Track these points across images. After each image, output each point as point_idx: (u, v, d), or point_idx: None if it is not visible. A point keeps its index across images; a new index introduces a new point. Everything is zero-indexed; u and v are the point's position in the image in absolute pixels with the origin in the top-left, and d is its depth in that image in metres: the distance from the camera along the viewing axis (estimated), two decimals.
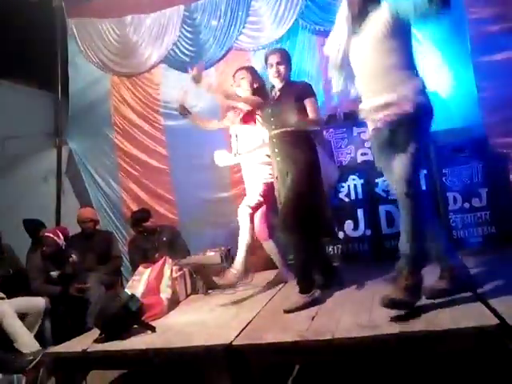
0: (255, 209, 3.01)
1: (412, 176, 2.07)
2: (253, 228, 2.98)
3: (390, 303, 2.04)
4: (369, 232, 3.59)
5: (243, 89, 3.01)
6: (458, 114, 3.59)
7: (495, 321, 1.81)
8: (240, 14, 4.21)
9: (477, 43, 3.50)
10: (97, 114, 4.70)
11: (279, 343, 2.03)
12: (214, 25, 4.32)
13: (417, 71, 2.15)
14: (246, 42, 4.24)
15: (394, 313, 2.05)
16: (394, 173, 2.12)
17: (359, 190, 3.64)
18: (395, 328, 1.93)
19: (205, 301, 3.18)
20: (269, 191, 3.00)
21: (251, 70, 3.10)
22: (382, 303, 2.05)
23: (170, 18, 4.46)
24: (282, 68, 2.69)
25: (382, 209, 3.55)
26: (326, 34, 3.83)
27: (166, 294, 2.99)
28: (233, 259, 3.50)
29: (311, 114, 2.63)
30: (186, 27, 4.42)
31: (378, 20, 2.10)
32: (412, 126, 2.05)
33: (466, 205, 3.39)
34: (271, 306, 2.72)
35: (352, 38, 2.21)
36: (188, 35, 4.42)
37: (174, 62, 4.47)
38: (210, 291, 3.34)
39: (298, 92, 2.67)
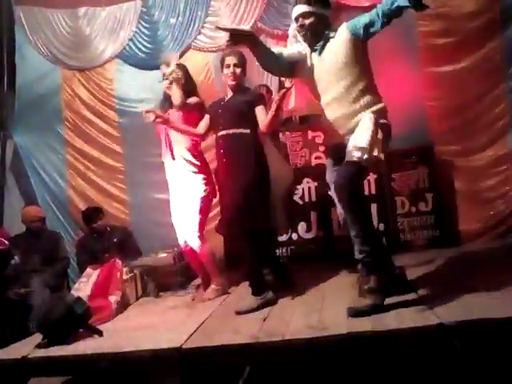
0: (202, 229, 2.95)
1: (356, 186, 2.15)
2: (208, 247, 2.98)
3: (358, 313, 2.09)
4: (321, 234, 3.66)
5: (174, 88, 2.85)
6: (406, 122, 3.74)
7: (436, 321, 1.90)
8: (199, 13, 4.17)
9: (425, 54, 3.67)
10: (46, 108, 4.48)
11: (230, 345, 2.02)
12: (173, 22, 4.25)
13: (378, 94, 2.25)
14: (204, 42, 4.20)
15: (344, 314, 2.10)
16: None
17: (313, 192, 3.71)
18: (343, 329, 1.98)
19: (156, 303, 3.12)
20: (206, 206, 2.94)
21: (186, 69, 3.00)
22: (349, 314, 2.10)
23: (127, 13, 4.34)
24: (238, 71, 2.70)
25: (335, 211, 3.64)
26: (283, 38, 3.93)
27: (114, 296, 2.90)
28: (186, 260, 3.47)
29: (261, 122, 2.64)
30: (143, 23, 4.32)
31: (340, 44, 2.18)
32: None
33: (413, 209, 3.55)
34: (223, 308, 2.71)
35: (314, 58, 2.26)
36: (145, 31, 4.32)
37: (129, 57, 4.36)
38: (161, 293, 3.27)
39: (249, 98, 2.71)
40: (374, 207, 3.54)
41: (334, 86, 2.21)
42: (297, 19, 2.24)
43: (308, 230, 3.69)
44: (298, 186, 3.70)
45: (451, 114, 3.69)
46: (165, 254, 3.36)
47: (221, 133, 2.71)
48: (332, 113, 2.25)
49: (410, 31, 3.62)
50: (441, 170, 3.66)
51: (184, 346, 2.07)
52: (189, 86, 2.93)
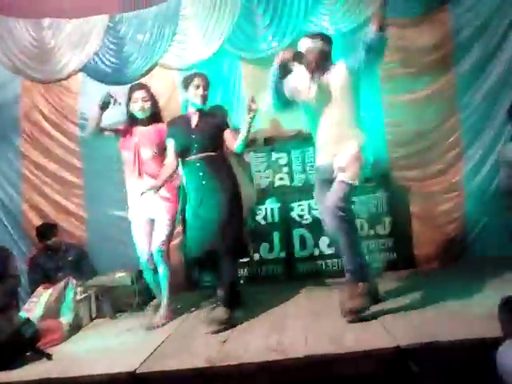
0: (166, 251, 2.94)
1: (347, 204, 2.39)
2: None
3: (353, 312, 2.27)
4: (283, 254, 3.68)
5: (139, 108, 2.94)
6: (367, 148, 3.86)
7: (394, 343, 1.93)
8: (167, 31, 4.18)
9: (385, 84, 3.83)
10: (3, 118, 4.30)
11: (185, 370, 1.97)
12: (140, 39, 4.23)
13: (362, 128, 2.52)
14: (171, 60, 4.20)
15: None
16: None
17: (276, 213, 3.73)
18: (302, 351, 1.98)
19: (111, 325, 3.01)
20: (171, 229, 2.95)
21: (150, 91, 3.04)
22: (344, 314, 2.30)
23: (93, 27, 4.28)
24: (206, 93, 2.77)
25: (296, 232, 3.67)
26: (250, 61, 4.01)
27: (67, 317, 2.79)
28: (144, 281, 3.38)
29: (231, 143, 2.74)
30: (109, 38, 4.26)
31: (337, 77, 2.43)
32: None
33: (371, 232, 3.64)
34: (181, 331, 2.65)
35: (312, 87, 2.49)
36: (111, 46, 4.27)
37: (94, 71, 4.28)
38: (117, 315, 3.16)
39: (217, 120, 2.78)
40: (276, 235, 3.69)
41: (328, 113, 2.46)
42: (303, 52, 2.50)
43: (270, 250, 3.70)
44: (261, 207, 3.73)
45: (409, 141, 3.84)
46: (122, 274, 3.26)
47: (196, 156, 2.72)
48: (323, 136, 2.52)
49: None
50: (398, 194, 3.79)
51: (138, 371, 2.00)
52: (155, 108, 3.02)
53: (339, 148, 2.44)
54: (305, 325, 2.40)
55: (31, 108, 4.32)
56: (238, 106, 3.88)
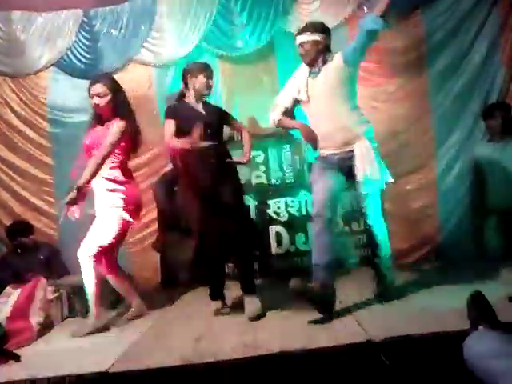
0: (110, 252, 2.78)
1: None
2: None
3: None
4: (258, 252, 3.67)
5: (94, 105, 2.72)
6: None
7: (366, 337, 1.96)
8: (142, 27, 4.11)
9: (361, 84, 3.78)
10: None
11: (160, 368, 1.94)
12: (115, 34, 4.16)
13: (362, 116, 2.55)
14: (147, 57, 4.14)
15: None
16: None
17: (252, 210, 3.73)
18: (276, 347, 1.98)
19: (83, 324, 2.93)
20: (123, 230, 2.77)
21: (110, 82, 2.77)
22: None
23: (66, 21, 4.18)
24: (211, 82, 2.76)
25: (273, 229, 3.67)
26: (227, 58, 3.99)
27: (36, 317, 2.70)
28: None
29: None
30: (83, 33, 4.16)
31: (334, 68, 2.43)
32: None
33: (346, 228, 3.68)
34: (155, 329, 2.61)
35: (311, 80, 2.52)
36: (85, 41, 4.17)
37: (66, 66, 4.18)
38: (89, 314, 3.09)
39: (219, 113, 2.81)
40: (311, 227, 3.67)
41: (325, 104, 2.47)
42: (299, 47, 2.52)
43: None
44: None
45: (383, 140, 3.89)
46: None
47: (203, 144, 2.59)
48: (322, 126, 2.50)
49: None
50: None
51: (111, 370, 1.96)
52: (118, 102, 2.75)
53: (345, 137, 2.46)
54: (279, 321, 2.40)
55: (1, 104, 4.19)
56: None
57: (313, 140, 2.54)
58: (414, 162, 3.88)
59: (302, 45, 2.49)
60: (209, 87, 2.76)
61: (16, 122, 4.17)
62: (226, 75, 4.00)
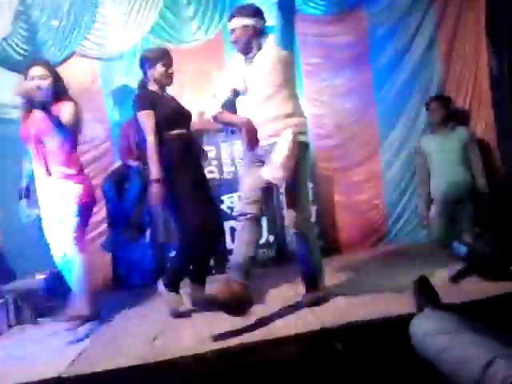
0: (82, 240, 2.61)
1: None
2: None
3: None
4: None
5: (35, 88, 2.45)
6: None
7: (318, 326, 2.03)
8: (85, 18, 3.94)
9: (307, 79, 3.98)
10: None
11: (115, 370, 1.91)
12: (55, 25, 3.95)
13: (299, 106, 2.38)
14: (90, 49, 3.97)
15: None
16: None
17: None
18: (236, 340, 2.00)
19: (33, 331, 2.82)
20: (85, 217, 2.63)
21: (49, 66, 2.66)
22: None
23: (0, 10, 3.93)
24: (170, 70, 2.66)
25: (227, 225, 3.68)
26: (176, 51, 3.90)
27: None
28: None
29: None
30: (20, 24, 3.93)
31: (267, 52, 2.28)
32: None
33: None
34: (109, 331, 2.55)
35: (246, 67, 2.34)
36: (22, 32, 3.93)
37: (4, 60, 3.92)
38: (39, 320, 2.97)
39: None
40: (264, 220, 3.71)
41: (259, 91, 2.29)
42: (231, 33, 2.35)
43: None
44: None
45: (331, 134, 4.02)
46: (42, 276, 3.06)
47: (180, 131, 2.58)
48: (256, 116, 2.30)
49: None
50: (323, 184, 3.96)
51: (63, 375, 1.90)
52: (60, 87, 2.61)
53: (275, 128, 2.26)
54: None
55: None
56: None
57: (252, 139, 2.29)
58: (361, 154, 4.03)
59: (232, 31, 2.33)
60: (169, 76, 2.64)
61: None
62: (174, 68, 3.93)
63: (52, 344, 2.46)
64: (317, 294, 2.40)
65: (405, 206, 3.97)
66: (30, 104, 2.51)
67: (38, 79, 2.50)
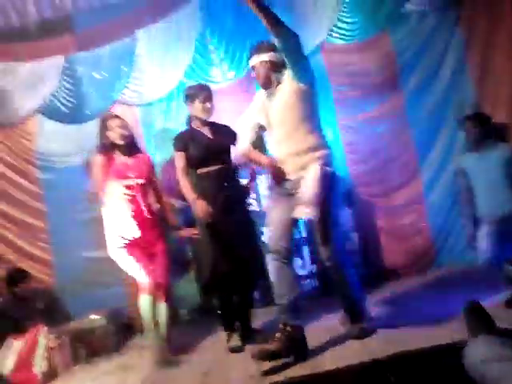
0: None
1: None
2: None
3: (267, 356, 2.11)
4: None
5: (119, 136, 2.79)
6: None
7: (369, 357, 1.99)
8: (124, 68, 4.22)
9: (339, 106, 4.02)
10: None
11: None
12: (97, 77, 4.26)
13: (323, 138, 2.38)
14: (131, 97, 4.23)
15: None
16: None
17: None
18: (281, 376, 2.00)
19: (88, 370, 2.91)
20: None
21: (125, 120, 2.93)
22: (253, 356, 2.12)
23: (48, 69, 4.27)
24: (210, 105, 2.74)
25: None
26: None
27: (40, 367, 2.68)
28: (120, 320, 3.31)
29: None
30: (65, 78, 4.26)
31: (288, 86, 2.31)
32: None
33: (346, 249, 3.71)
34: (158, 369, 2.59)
35: (268, 102, 2.38)
36: (68, 86, 4.26)
37: (52, 112, 4.25)
38: (94, 359, 3.07)
39: (227, 134, 2.78)
40: (306, 249, 3.71)
41: (281, 126, 2.33)
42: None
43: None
44: None
45: (366, 158, 4.02)
46: (96, 316, 3.18)
47: (213, 168, 2.68)
48: (279, 151, 2.36)
49: (324, 86, 3.95)
50: (363, 210, 3.93)
51: None
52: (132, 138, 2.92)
53: (300, 162, 2.28)
54: None
55: None
56: None
57: (278, 178, 2.35)
58: (400, 177, 3.98)
59: (253, 68, 2.41)
60: (206, 111, 2.73)
61: (6, 170, 4.20)
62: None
63: (106, 382, 2.54)
64: (361, 326, 2.34)
65: (451, 228, 3.84)
66: (110, 148, 2.77)
67: (119, 128, 2.78)
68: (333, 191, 2.31)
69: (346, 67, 4.00)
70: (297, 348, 2.18)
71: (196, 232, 2.71)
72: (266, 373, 2.07)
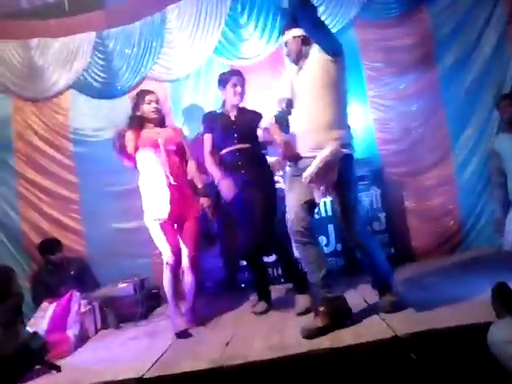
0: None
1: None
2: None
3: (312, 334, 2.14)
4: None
5: (154, 110, 2.89)
6: (359, 147, 3.93)
7: (390, 334, 1.99)
8: (154, 44, 4.25)
9: (370, 83, 3.92)
10: None
11: (191, 372, 2.01)
12: (128, 53, 4.30)
13: (346, 117, 2.36)
14: (160, 72, 4.26)
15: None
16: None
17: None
18: (303, 347, 2.03)
19: (116, 335, 3.05)
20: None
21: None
22: (303, 334, 2.16)
23: (81, 44, 4.34)
24: (243, 90, 2.88)
25: None
26: (238, 68, 4.07)
27: (73, 330, 2.82)
28: (147, 290, 3.42)
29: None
30: (97, 54, 4.32)
31: (316, 58, 2.31)
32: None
33: (368, 228, 3.68)
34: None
35: (295, 76, 2.40)
36: (99, 62, 4.33)
37: (84, 87, 4.34)
38: (121, 325, 3.20)
39: (254, 116, 2.88)
40: (331, 227, 3.70)
41: (304, 95, 2.33)
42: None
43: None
44: None
45: (398, 138, 3.93)
46: (124, 284, 3.30)
47: (236, 146, 2.81)
48: (298, 127, 2.36)
49: (356, 63, 3.86)
50: (392, 190, 3.86)
51: (145, 376, 2.04)
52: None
53: (316, 141, 2.25)
54: (298, 322, 2.42)
55: (24, 127, 4.37)
56: None
57: (290, 159, 2.36)
58: (431, 157, 3.88)
59: (286, 44, 2.45)
60: (237, 95, 2.85)
61: (39, 143, 4.34)
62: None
63: (134, 347, 2.65)
64: (392, 299, 2.35)
65: (481, 210, 3.74)
66: (142, 122, 2.86)
67: (155, 103, 2.89)
68: (348, 172, 2.28)
69: (379, 43, 3.88)
70: (343, 318, 2.24)
71: (208, 203, 2.83)
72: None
